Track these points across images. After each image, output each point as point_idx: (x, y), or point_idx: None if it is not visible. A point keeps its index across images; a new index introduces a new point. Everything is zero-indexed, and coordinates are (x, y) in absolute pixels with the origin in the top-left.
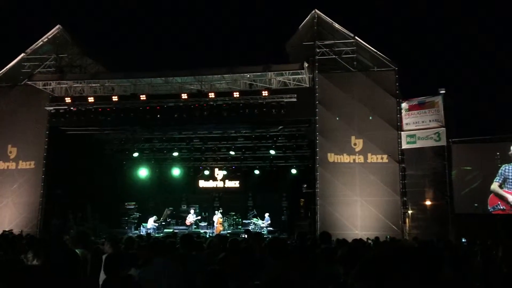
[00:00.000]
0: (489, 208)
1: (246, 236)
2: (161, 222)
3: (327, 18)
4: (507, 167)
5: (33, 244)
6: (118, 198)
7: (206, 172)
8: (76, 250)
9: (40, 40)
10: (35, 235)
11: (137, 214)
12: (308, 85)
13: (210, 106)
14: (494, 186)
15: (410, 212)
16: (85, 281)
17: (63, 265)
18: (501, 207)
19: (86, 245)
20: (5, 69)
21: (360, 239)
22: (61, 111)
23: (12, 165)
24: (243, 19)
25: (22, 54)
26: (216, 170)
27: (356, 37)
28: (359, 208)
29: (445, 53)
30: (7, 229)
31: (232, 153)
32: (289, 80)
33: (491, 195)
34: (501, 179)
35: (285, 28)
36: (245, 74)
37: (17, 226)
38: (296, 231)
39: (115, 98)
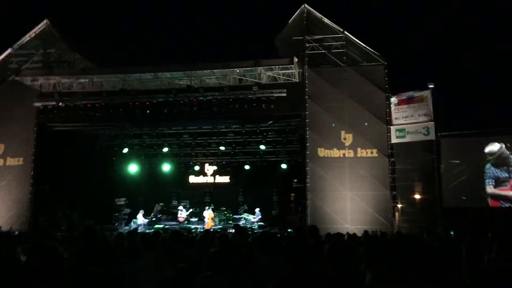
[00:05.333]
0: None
1: (234, 231)
2: (152, 218)
3: (317, 12)
4: (492, 168)
5: (22, 241)
6: (108, 194)
7: (196, 168)
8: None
9: (27, 35)
10: (24, 232)
11: (127, 210)
12: (297, 80)
13: (200, 102)
14: (490, 189)
15: (399, 206)
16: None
17: (42, 263)
18: (506, 205)
19: (94, 239)
20: None
21: (347, 233)
22: (49, 107)
23: (0, 162)
24: (233, 14)
25: (9, 50)
26: (206, 165)
27: (345, 32)
28: (349, 202)
29: (434, 47)
30: None
31: (222, 148)
32: (279, 75)
33: (490, 199)
34: (492, 180)
35: (274, 22)
36: (235, 69)
37: (6, 223)
38: (287, 226)
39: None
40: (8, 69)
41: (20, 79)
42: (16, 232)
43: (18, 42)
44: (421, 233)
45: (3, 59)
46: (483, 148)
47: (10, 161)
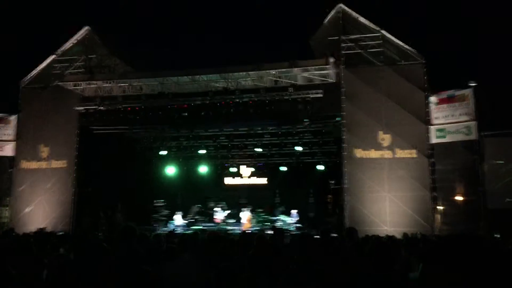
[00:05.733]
0: None
1: (273, 232)
2: (189, 219)
3: (352, 12)
4: None
5: (66, 242)
6: (147, 196)
7: (233, 169)
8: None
9: (69, 41)
10: (67, 233)
11: (165, 212)
12: (334, 80)
13: (236, 103)
14: None
15: (440, 207)
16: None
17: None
18: None
19: (133, 238)
20: (36, 70)
21: (386, 235)
22: (91, 111)
23: (45, 165)
24: (268, 15)
25: (53, 56)
26: (243, 167)
27: (382, 31)
28: (387, 204)
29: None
30: (41, 227)
31: (258, 150)
32: (315, 75)
33: None
34: None
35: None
36: (271, 71)
37: (50, 224)
38: (321, 228)
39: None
40: (51, 74)
41: (63, 84)
42: (61, 233)
43: (61, 49)
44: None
45: (47, 65)
46: None
47: (55, 164)
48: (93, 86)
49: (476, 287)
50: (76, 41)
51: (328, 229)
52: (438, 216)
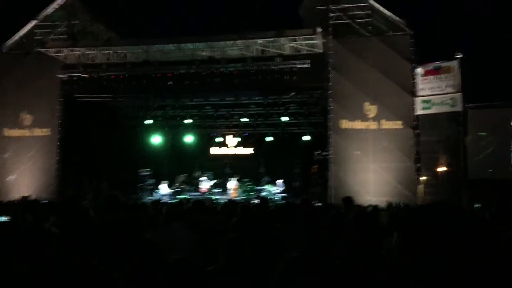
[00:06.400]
0: None
1: (258, 201)
2: (175, 189)
3: None
4: None
5: (53, 210)
6: (132, 165)
7: (219, 139)
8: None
9: (51, 6)
10: (53, 201)
11: (151, 181)
12: (321, 51)
13: (222, 73)
14: None
15: (423, 178)
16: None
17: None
18: None
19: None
20: (17, 36)
21: (370, 205)
22: (74, 78)
23: (27, 132)
24: None
25: (34, 21)
26: (229, 137)
27: (370, 0)
28: (372, 174)
29: (463, 16)
30: (25, 195)
31: (244, 120)
32: (302, 45)
33: None
34: None
35: None
36: (257, 40)
37: (34, 193)
38: (310, 197)
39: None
40: (33, 40)
41: (45, 50)
42: (45, 201)
43: (43, 13)
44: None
45: (28, 31)
46: (511, 120)
47: (38, 132)
48: (76, 53)
49: (448, 255)
50: (58, 6)
51: (308, 199)
52: (422, 187)
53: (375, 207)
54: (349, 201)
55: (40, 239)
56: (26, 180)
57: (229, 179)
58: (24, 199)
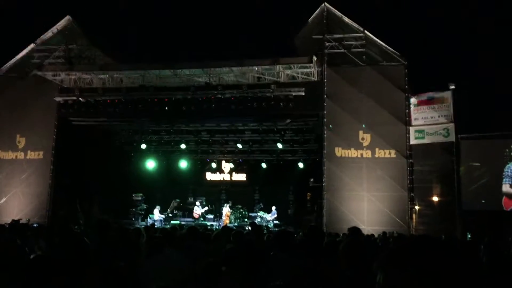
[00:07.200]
0: (506, 210)
1: (250, 228)
2: (168, 213)
3: (337, 11)
4: (511, 167)
5: (42, 233)
6: (125, 189)
7: (213, 165)
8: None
9: (50, 30)
10: (43, 225)
11: (144, 206)
12: (316, 79)
13: (218, 99)
14: (506, 188)
15: (417, 207)
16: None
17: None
18: None
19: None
20: (15, 59)
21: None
22: (70, 102)
23: (20, 155)
24: (252, 12)
25: (32, 45)
26: (223, 162)
27: (365, 31)
28: (366, 203)
29: (456, 47)
30: (15, 219)
31: (239, 146)
32: (298, 73)
33: (504, 198)
34: (510, 179)
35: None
36: (254, 67)
37: (25, 216)
38: (303, 225)
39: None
40: (30, 64)
41: (42, 74)
42: (35, 225)
43: (41, 38)
44: (438, 236)
45: (26, 54)
46: (504, 151)
47: (31, 155)
48: (73, 77)
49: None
50: (56, 30)
51: (317, 226)
52: (415, 216)
53: (369, 237)
54: (356, 231)
55: (26, 263)
56: (17, 203)
57: (224, 204)
58: (15, 222)
